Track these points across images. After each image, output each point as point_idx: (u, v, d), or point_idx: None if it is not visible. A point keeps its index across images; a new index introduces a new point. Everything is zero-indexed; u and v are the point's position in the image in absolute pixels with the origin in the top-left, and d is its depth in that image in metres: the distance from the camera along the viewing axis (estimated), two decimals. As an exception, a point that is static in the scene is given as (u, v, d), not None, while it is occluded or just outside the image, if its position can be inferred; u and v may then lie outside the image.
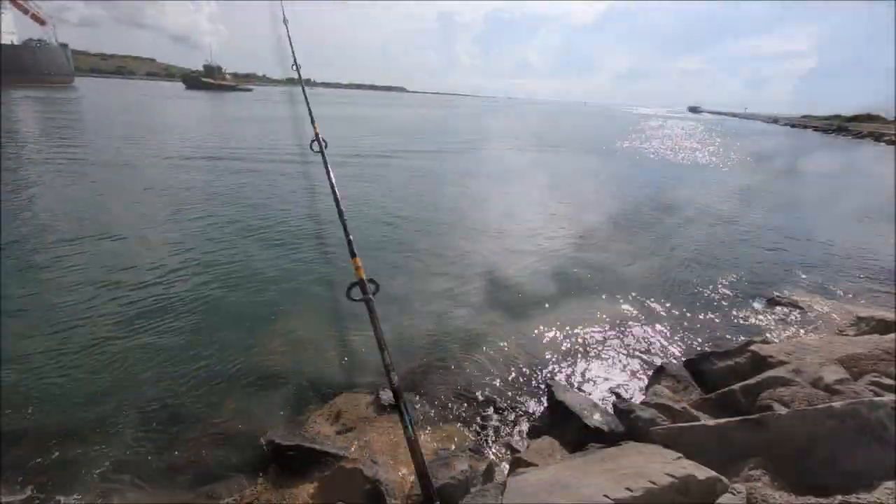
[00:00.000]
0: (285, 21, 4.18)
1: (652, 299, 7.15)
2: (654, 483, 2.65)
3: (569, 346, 5.77)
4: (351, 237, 2.22)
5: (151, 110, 42.60)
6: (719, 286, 7.81)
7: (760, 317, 6.72)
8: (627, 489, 2.64)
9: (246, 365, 4.99)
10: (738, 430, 3.11)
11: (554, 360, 5.47)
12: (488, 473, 3.49)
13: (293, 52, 3.93)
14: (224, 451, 3.86)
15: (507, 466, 3.66)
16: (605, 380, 5.14)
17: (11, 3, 62.42)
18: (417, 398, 4.68)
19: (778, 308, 6.97)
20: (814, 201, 16.86)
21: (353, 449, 3.88)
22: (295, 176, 15.03)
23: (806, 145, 46.34)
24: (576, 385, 5.01)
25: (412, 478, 3.49)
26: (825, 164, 29.13)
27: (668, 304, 7.02)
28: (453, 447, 3.99)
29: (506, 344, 5.73)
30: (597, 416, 4.07)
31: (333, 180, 2.55)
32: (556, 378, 5.10)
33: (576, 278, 7.88)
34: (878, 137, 51.00)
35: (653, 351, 5.76)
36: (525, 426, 4.35)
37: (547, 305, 6.81)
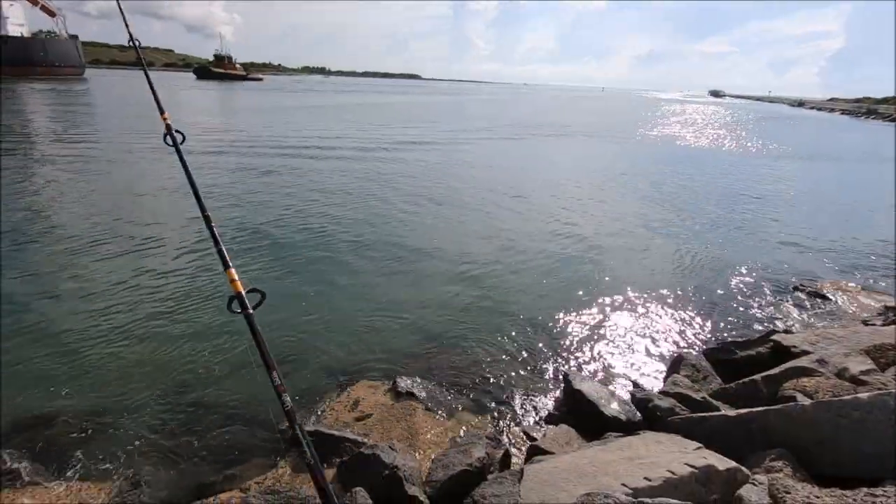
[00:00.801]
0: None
1: (671, 287, 7.06)
2: (672, 473, 2.63)
3: (586, 334, 5.74)
4: (222, 247, 1.89)
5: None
6: (741, 274, 7.67)
7: (783, 306, 6.59)
8: (646, 479, 2.63)
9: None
10: (759, 420, 3.07)
11: (570, 348, 5.45)
12: (505, 461, 3.50)
13: (128, 28, 3.35)
14: (245, 436, 3.95)
15: (524, 454, 3.67)
16: (622, 369, 5.11)
17: None
18: (434, 384, 4.71)
19: (802, 297, 6.82)
20: (843, 188, 16.38)
21: (371, 435, 3.93)
22: (304, 169, 15.10)
23: (833, 129, 44.90)
24: (593, 374, 4.99)
25: (428, 463, 3.53)
26: (855, 149, 28.23)
27: (687, 293, 6.92)
28: (469, 434, 4.01)
29: (522, 331, 5.73)
30: (614, 406, 4.05)
31: (194, 179, 2.17)
32: (573, 367, 5.09)
33: (594, 266, 7.81)
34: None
35: (671, 340, 5.70)
36: (542, 414, 4.36)
37: (564, 293, 6.78)
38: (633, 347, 5.50)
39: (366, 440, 3.80)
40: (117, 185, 11.76)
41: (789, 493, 2.45)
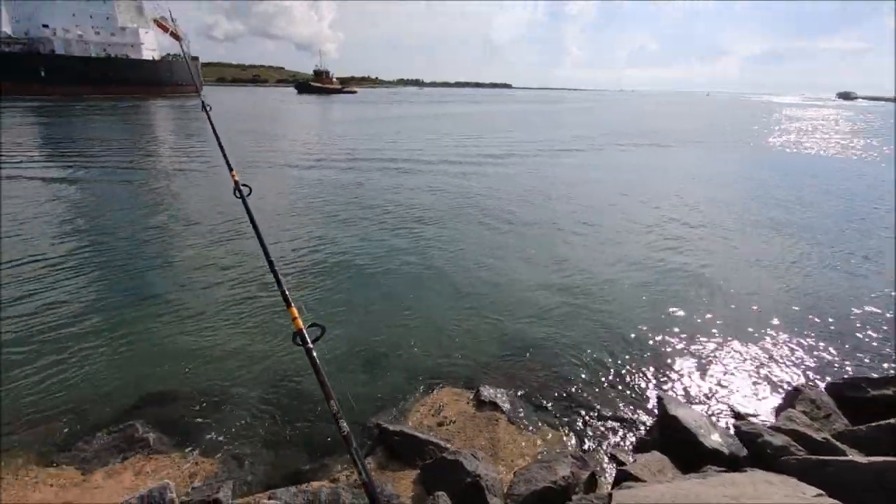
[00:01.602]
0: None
1: (788, 311, 6.36)
2: (786, 519, 2.36)
3: (685, 356, 5.35)
4: (285, 288, 2.05)
5: (260, 113, 47.51)
6: (873, 302, 6.70)
7: (930, 340, 5.65)
8: (753, 521, 2.39)
9: (358, 350, 5.34)
10: (899, 472, 2.65)
11: (667, 369, 5.10)
12: (591, 483, 3.36)
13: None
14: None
15: (612, 478, 3.49)
16: (725, 397, 4.68)
17: (155, 24, 72.10)
18: (518, 395, 4.65)
19: (956, 332, 5.80)
20: None
21: (453, 442, 3.97)
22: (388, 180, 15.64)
23: None
24: (691, 399, 4.62)
25: (510, 476, 3.48)
26: None
27: (808, 318, 6.19)
28: (553, 450, 3.90)
29: (614, 348, 5.47)
30: (715, 437, 3.72)
31: (260, 230, 2.40)
32: (669, 390, 4.75)
33: (698, 282, 7.26)
34: None
35: (786, 370, 5.12)
36: (632, 438, 4.12)
37: (663, 310, 6.37)
38: (739, 374, 5.02)
39: (448, 445, 3.84)
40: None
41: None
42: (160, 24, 73.13)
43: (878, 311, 6.42)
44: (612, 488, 3.20)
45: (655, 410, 4.32)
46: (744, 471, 3.11)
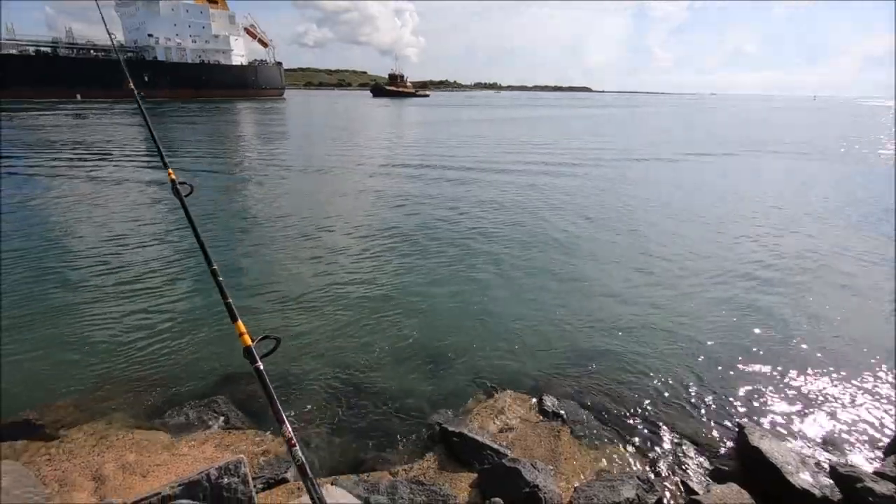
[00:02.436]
0: None
1: (899, 344, 5.62)
2: (889, 578, 2.08)
3: (772, 383, 4.89)
4: (230, 300, 1.87)
5: (336, 115, 50.28)
6: None
7: None
8: (847, 575, 2.13)
9: (425, 348, 5.44)
10: None
11: (751, 397, 4.69)
12: (658, 509, 3.17)
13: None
14: (399, 423, 4.26)
15: (682, 507, 3.28)
16: (817, 434, 4.21)
17: (245, 32, 79.38)
18: (583, 408, 4.49)
19: None
20: None
21: (513, 449, 3.91)
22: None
23: None
24: (778, 433, 4.21)
25: (571, 491, 3.37)
26: None
27: (924, 354, 5.43)
28: (618, 470, 3.73)
29: (692, 367, 5.13)
30: (804, 475, 3.38)
31: (200, 233, 2.13)
32: (751, 419, 4.37)
33: (793, 305, 6.60)
34: None
35: (894, 410, 4.52)
36: (705, 467, 3.83)
37: (750, 332, 5.88)
38: (837, 411, 4.50)
39: (508, 452, 3.79)
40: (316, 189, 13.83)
41: None
42: (249, 32, 79.63)
43: None
44: (682, 517, 3.00)
45: (736, 440, 3.99)
46: (838, 517, 2.79)
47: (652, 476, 3.66)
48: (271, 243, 8.80)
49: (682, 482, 3.65)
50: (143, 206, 11.31)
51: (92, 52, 62.01)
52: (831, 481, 3.29)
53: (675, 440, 4.12)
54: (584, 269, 7.87)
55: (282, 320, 5.98)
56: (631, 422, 4.35)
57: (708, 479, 3.70)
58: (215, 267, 1.99)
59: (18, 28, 59.74)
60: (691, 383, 4.88)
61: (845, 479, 3.21)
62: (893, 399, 4.65)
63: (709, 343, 5.61)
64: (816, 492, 3.20)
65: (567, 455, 3.91)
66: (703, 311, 6.42)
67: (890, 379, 4.96)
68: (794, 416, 4.42)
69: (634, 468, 3.79)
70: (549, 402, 4.49)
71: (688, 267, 7.99)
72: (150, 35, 66.53)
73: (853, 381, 4.91)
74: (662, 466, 3.82)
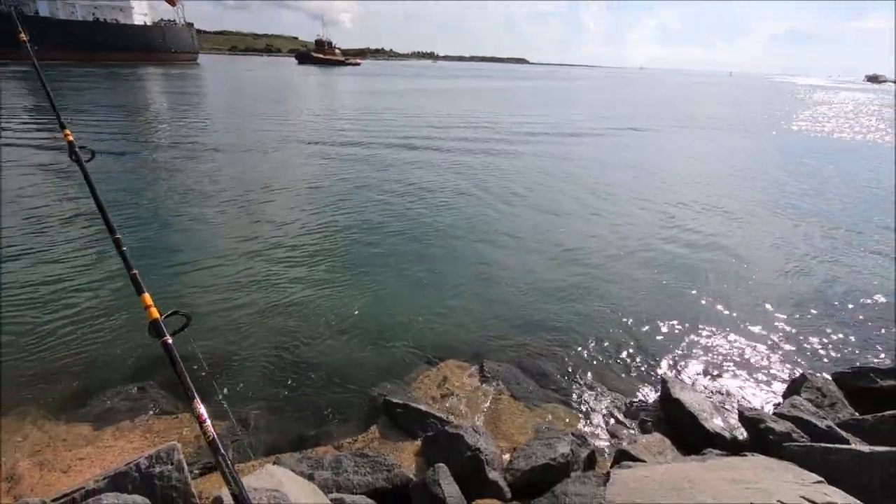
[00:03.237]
0: None
1: (797, 299, 6.27)
2: (784, 504, 2.36)
3: (691, 340, 5.32)
4: (135, 271, 1.79)
5: (256, 83, 46.59)
6: (888, 291, 6.57)
7: (944, 333, 5.55)
8: (751, 505, 2.39)
9: (367, 321, 5.39)
10: (902, 463, 2.63)
11: (672, 353, 5.08)
12: (590, 461, 3.39)
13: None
14: (341, 397, 4.23)
15: (612, 457, 3.52)
16: (730, 382, 4.65)
17: None
18: (522, 372, 4.67)
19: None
20: None
21: (455, 415, 4.01)
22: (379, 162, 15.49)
23: None
24: (695, 383, 4.61)
25: (512, 451, 3.52)
26: None
27: (818, 306, 6.10)
28: (554, 428, 3.93)
29: (621, 330, 5.45)
30: (717, 421, 3.73)
31: (101, 199, 2.01)
32: (673, 373, 4.74)
33: (710, 268, 7.14)
34: None
35: (792, 357, 5.08)
36: (634, 419, 4.13)
37: (672, 294, 6.32)
38: (744, 360, 4.99)
39: (451, 418, 3.89)
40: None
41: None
42: None
43: (890, 302, 6.30)
44: (611, 467, 3.23)
45: (659, 393, 4.32)
46: (744, 455, 3.11)
47: (586, 431, 3.91)
48: (195, 219, 8.27)
49: (613, 434, 3.93)
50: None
51: None
52: (740, 424, 3.65)
53: (608, 397, 4.40)
54: (518, 242, 8.04)
55: (213, 296, 5.69)
56: (566, 382, 4.59)
57: (635, 430, 4.00)
58: (119, 236, 1.85)
59: None
60: (622, 344, 5.20)
61: (751, 421, 3.57)
62: (794, 349, 5.21)
63: (637, 308, 5.97)
64: (727, 434, 3.55)
65: (507, 417, 4.07)
66: (627, 277, 6.81)
67: (791, 331, 5.54)
68: (711, 369, 4.84)
69: (569, 425, 4.02)
70: (489, 367, 4.63)
71: (613, 237, 8.40)
72: None
73: (761, 335, 5.44)
74: (595, 422, 4.08)
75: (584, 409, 4.24)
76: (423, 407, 3.96)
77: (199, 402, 1.52)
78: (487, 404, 4.22)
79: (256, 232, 7.80)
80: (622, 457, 3.34)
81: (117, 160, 12.23)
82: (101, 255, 6.53)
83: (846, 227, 9.39)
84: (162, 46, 70.14)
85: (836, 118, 33.45)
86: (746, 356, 5.05)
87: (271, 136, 16.96)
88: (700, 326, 5.56)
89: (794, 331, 5.55)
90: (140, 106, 24.42)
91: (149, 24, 69.42)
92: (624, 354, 5.03)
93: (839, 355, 5.15)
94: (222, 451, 1.43)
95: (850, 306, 6.16)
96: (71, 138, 2.21)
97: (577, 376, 4.67)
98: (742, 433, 3.57)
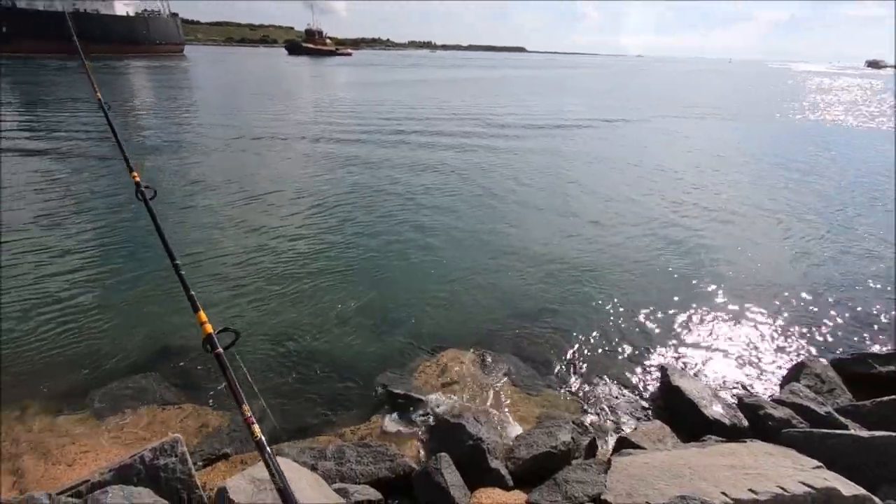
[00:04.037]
0: None
1: (797, 285, 6.28)
2: (784, 489, 2.39)
3: (690, 327, 5.33)
4: (192, 292, 1.97)
5: (245, 75, 45.85)
6: (885, 278, 6.59)
7: (942, 319, 5.57)
8: (751, 490, 2.42)
9: (367, 311, 5.41)
10: (900, 447, 2.66)
11: (672, 341, 5.10)
12: (591, 449, 3.41)
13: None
14: (343, 387, 4.24)
15: (612, 445, 3.55)
16: (729, 369, 4.68)
17: None
18: (522, 360, 4.69)
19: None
20: None
21: (457, 404, 4.03)
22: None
23: None
24: (694, 371, 4.63)
25: (513, 440, 3.55)
26: None
27: (817, 293, 6.11)
28: (555, 416, 3.96)
29: (620, 318, 5.47)
30: (717, 408, 3.75)
31: (163, 231, 2.23)
32: (672, 361, 4.76)
33: (709, 256, 7.13)
34: None
35: (792, 344, 5.10)
36: (634, 407, 4.16)
37: (671, 282, 6.33)
38: (745, 348, 5.01)
39: (452, 408, 3.91)
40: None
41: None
42: None
43: (889, 287, 6.32)
44: (612, 454, 3.25)
45: (659, 380, 4.35)
46: (743, 441, 3.14)
47: (586, 419, 3.93)
48: (195, 215, 8.25)
49: (613, 422, 3.95)
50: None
51: None
52: (739, 411, 3.68)
53: (608, 385, 4.42)
54: (519, 231, 8.04)
55: (212, 287, 5.69)
56: (568, 371, 4.61)
57: (636, 418, 4.02)
58: (177, 262, 2.08)
59: None
60: (623, 333, 5.22)
61: (750, 408, 3.60)
62: (792, 336, 5.23)
63: (638, 296, 5.98)
64: (726, 421, 3.57)
65: (508, 405, 4.09)
66: (627, 265, 6.81)
67: (790, 318, 5.56)
68: (710, 357, 4.86)
69: (570, 413, 4.04)
70: (490, 356, 4.65)
71: (618, 226, 8.38)
72: None
73: (761, 322, 5.45)
74: (596, 409, 4.11)
75: (585, 397, 4.26)
76: (423, 397, 3.99)
77: (248, 406, 1.67)
78: (488, 393, 4.24)
79: (253, 223, 7.77)
80: (622, 444, 3.37)
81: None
82: (114, 256, 6.51)
83: (849, 210, 9.39)
84: (146, 38, 67.33)
85: (841, 104, 33.28)
86: (745, 343, 5.07)
87: (246, 130, 16.29)
88: (699, 314, 5.58)
89: (793, 317, 5.57)
90: (137, 99, 24.10)
91: (131, 14, 66.28)
92: (624, 342, 5.04)
93: (838, 341, 5.18)
94: (269, 450, 1.55)
95: (849, 291, 6.18)
96: (138, 179, 2.48)
97: (578, 364, 4.69)
98: (741, 420, 3.59)
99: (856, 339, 5.23)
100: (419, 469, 3.01)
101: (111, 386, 4.08)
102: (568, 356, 4.81)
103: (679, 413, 3.87)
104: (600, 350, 4.93)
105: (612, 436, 3.76)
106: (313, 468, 2.98)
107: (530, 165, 12.56)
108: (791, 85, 56.24)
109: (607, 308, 5.67)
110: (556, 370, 4.62)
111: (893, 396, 3.45)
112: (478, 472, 3.06)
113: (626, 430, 3.77)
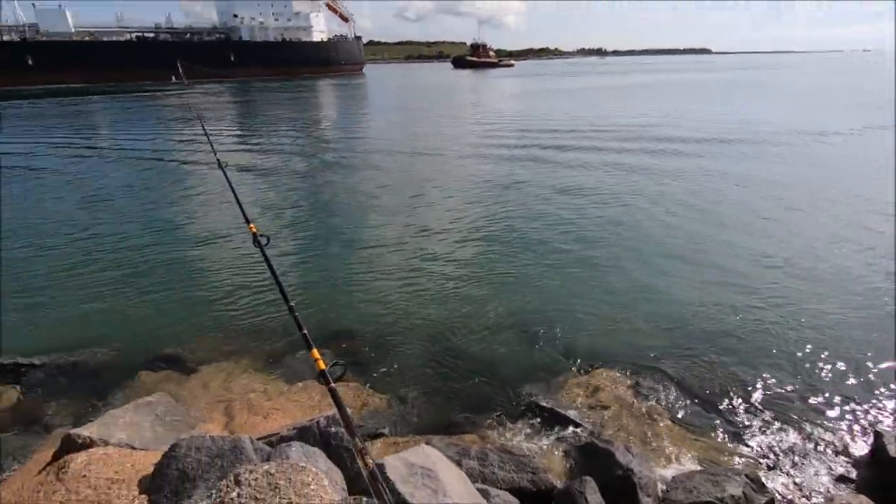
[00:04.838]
0: None
1: None
2: None
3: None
4: (305, 331, 1.98)
5: (413, 89, 49.37)
6: None
7: None
8: None
9: (519, 318, 5.47)
10: None
11: (891, 402, 4.08)
12: (767, 511, 2.93)
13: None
14: (492, 393, 4.33)
15: (796, 512, 3.00)
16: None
17: (327, 7, 77.82)
18: (684, 393, 4.22)
19: None
20: None
21: (606, 429, 3.81)
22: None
23: None
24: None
25: (669, 480, 3.22)
26: None
27: None
28: (722, 464, 3.48)
29: (818, 358, 4.59)
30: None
31: (278, 276, 2.33)
32: (891, 426, 3.82)
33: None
34: None
35: None
36: (830, 473, 3.43)
37: (887, 323, 5.09)
38: None
39: (600, 431, 3.71)
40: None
41: None
42: (330, 7, 78.24)
43: None
44: (796, 524, 2.75)
45: (871, 448, 3.52)
46: None
47: (763, 475, 3.37)
48: (369, 219, 9.17)
49: (800, 486, 3.32)
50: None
51: (188, 35, 65.77)
52: None
53: (794, 438, 3.73)
54: (692, 254, 7.16)
55: (375, 283, 6.30)
56: (740, 412, 4.02)
57: (831, 487, 3.32)
58: (292, 304, 2.19)
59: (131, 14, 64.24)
60: (818, 376, 4.37)
61: None
62: None
63: (838, 336, 4.94)
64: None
65: (663, 440, 3.73)
66: (834, 304, 5.59)
67: None
68: (947, 428, 3.78)
69: (741, 463, 3.52)
70: (648, 382, 4.30)
71: (823, 255, 6.91)
72: (234, 16, 68.21)
73: None
74: (776, 465, 3.49)
75: (762, 449, 3.65)
76: (570, 414, 3.86)
77: (360, 440, 1.67)
78: (641, 423, 3.91)
79: (415, 224, 8.39)
80: (812, 515, 2.82)
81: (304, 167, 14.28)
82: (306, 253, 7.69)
83: None
84: (335, 59, 79.04)
85: None
86: None
87: (428, 142, 17.39)
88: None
89: None
90: (324, 114, 28.03)
91: (325, 40, 79.15)
92: (822, 391, 4.19)
93: None
94: (381, 478, 1.52)
95: None
96: (254, 230, 2.70)
97: (756, 410, 4.04)
98: None
99: None
100: (561, 488, 2.93)
101: (296, 358, 4.77)
102: (743, 396, 4.18)
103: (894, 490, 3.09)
104: (788, 395, 4.18)
105: (798, 500, 3.17)
106: (458, 464, 3.10)
107: (714, 184, 10.97)
108: None
109: (803, 347, 4.78)
110: (725, 410, 4.06)
111: None
112: (625, 506, 2.86)
113: (817, 500, 3.14)
